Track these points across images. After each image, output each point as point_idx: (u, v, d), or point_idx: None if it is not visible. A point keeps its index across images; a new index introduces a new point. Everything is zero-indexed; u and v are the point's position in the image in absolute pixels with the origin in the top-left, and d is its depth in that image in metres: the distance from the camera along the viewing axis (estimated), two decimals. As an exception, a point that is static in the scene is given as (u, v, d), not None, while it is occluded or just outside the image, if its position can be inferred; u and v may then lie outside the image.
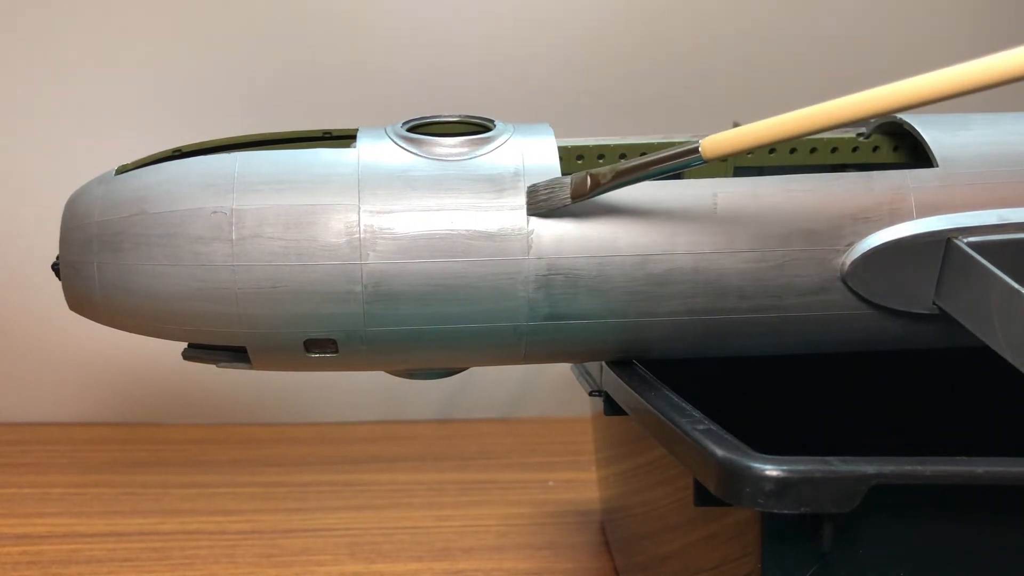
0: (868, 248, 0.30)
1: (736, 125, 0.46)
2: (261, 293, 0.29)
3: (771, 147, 0.34)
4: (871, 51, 0.62)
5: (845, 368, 0.39)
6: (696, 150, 0.27)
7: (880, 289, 0.30)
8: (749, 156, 0.34)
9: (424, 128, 0.32)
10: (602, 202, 0.30)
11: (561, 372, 0.44)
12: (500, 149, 0.31)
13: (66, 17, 0.58)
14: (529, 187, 0.30)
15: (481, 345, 0.31)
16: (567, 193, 0.29)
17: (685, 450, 0.26)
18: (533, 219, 0.30)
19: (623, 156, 0.34)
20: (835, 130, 0.36)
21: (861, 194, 0.30)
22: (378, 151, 0.31)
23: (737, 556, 0.26)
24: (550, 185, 0.29)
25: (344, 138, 0.32)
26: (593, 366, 0.38)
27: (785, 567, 0.25)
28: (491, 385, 0.65)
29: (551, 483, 0.54)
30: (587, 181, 0.29)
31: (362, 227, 0.29)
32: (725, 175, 0.34)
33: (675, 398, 0.29)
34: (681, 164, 0.27)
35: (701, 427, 0.26)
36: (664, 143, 0.34)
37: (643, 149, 0.34)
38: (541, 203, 0.30)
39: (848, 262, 0.30)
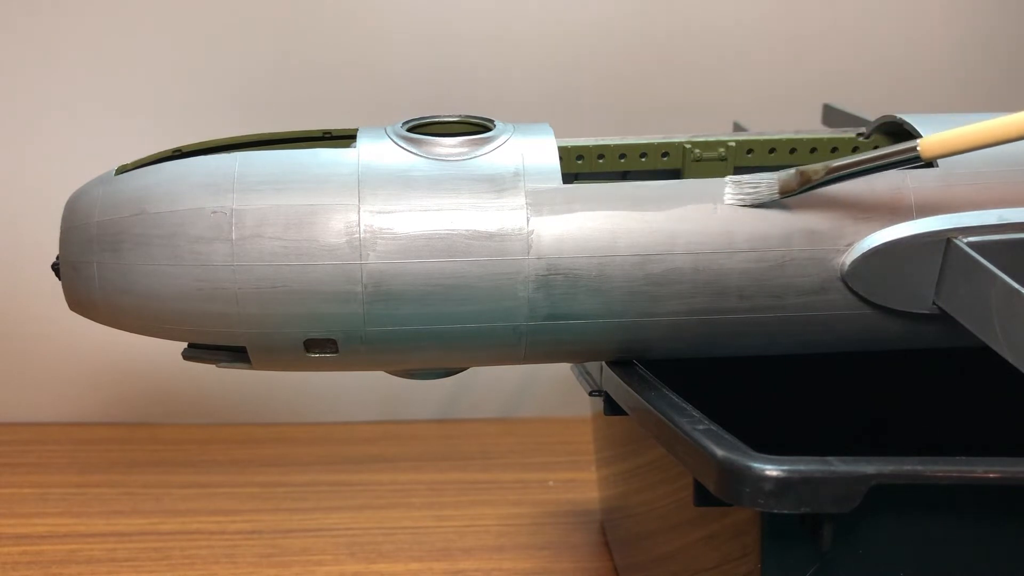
0: (868, 248, 0.30)
1: (736, 126, 0.46)
2: (261, 293, 0.29)
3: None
4: (870, 49, 0.62)
5: (845, 368, 0.39)
6: (914, 149, 0.27)
7: (880, 289, 0.30)
8: (749, 156, 0.34)
9: (424, 128, 0.32)
10: (602, 202, 0.30)
11: (561, 372, 0.44)
12: (500, 149, 0.31)
13: (66, 17, 0.58)
14: (732, 179, 0.30)
15: (481, 345, 0.31)
16: (776, 189, 0.30)
17: (685, 450, 0.26)
18: (532, 219, 0.30)
19: (623, 156, 0.34)
20: (835, 130, 0.36)
21: (861, 194, 0.30)
22: (378, 151, 0.31)
23: (737, 556, 0.26)
24: (755, 180, 0.30)
25: (344, 138, 0.32)
26: (593, 366, 0.38)
27: (785, 567, 0.25)
28: (491, 385, 0.65)
29: (551, 483, 0.54)
30: (798, 177, 0.29)
31: (362, 227, 0.29)
32: (726, 175, 0.34)
33: (675, 398, 0.29)
34: (897, 162, 0.28)
35: (701, 427, 0.26)
36: (664, 143, 0.34)
37: (643, 150, 0.34)
38: (747, 195, 0.30)
39: (848, 262, 0.30)
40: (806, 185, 0.29)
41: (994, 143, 0.26)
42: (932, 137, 0.27)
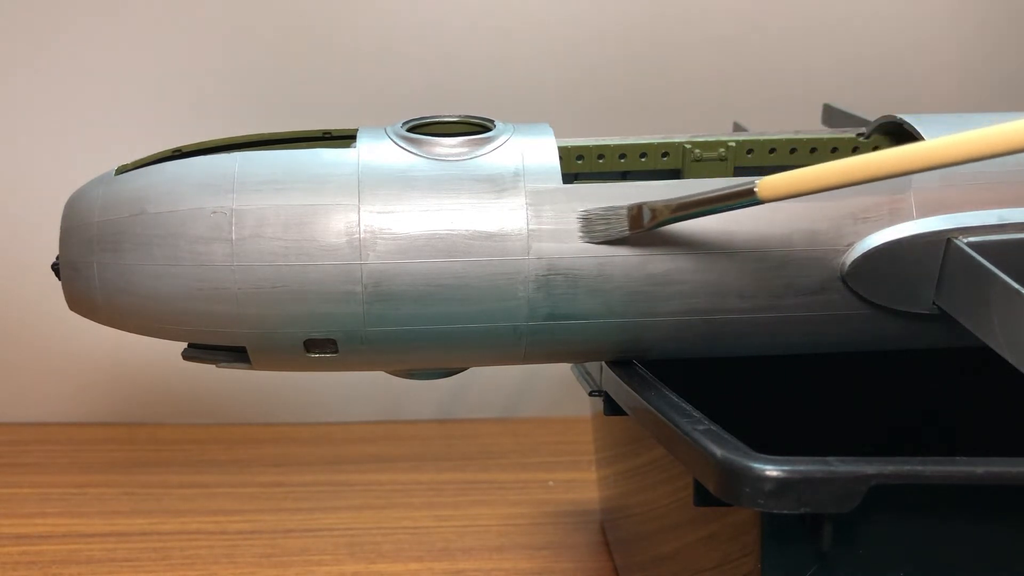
0: (868, 248, 0.30)
1: (736, 126, 0.46)
2: (261, 293, 0.29)
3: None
4: (870, 49, 0.62)
5: (845, 368, 0.39)
6: (752, 192, 0.26)
7: (880, 289, 0.30)
8: (749, 156, 0.34)
9: (424, 128, 0.32)
10: (602, 202, 0.30)
11: (561, 372, 0.44)
12: (500, 149, 0.31)
13: (66, 16, 0.58)
14: (582, 213, 0.30)
15: (481, 345, 0.31)
16: (625, 225, 0.29)
17: (685, 450, 0.26)
18: (532, 219, 0.30)
19: (623, 156, 0.34)
20: (835, 130, 0.36)
21: (861, 194, 0.30)
22: (378, 151, 0.31)
23: (737, 556, 0.26)
24: (606, 216, 0.29)
25: (344, 138, 0.32)
26: (593, 366, 0.38)
27: (785, 567, 0.25)
28: (491, 385, 0.65)
29: (551, 483, 0.54)
30: (646, 215, 0.29)
31: (362, 227, 0.29)
32: (725, 175, 0.34)
33: (675, 398, 0.29)
34: (737, 204, 0.27)
35: (701, 427, 0.26)
36: (664, 143, 0.34)
37: (643, 150, 0.34)
38: (597, 232, 0.30)
39: (848, 262, 0.30)
40: (655, 223, 0.29)
41: (831, 187, 0.25)
42: (770, 179, 0.26)
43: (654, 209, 0.28)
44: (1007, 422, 0.40)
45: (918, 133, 0.32)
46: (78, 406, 0.63)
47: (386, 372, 0.33)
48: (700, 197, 0.28)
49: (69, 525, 0.48)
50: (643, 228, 0.29)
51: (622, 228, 0.29)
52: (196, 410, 0.63)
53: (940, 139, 0.23)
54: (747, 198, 0.27)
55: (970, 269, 0.28)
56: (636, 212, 0.29)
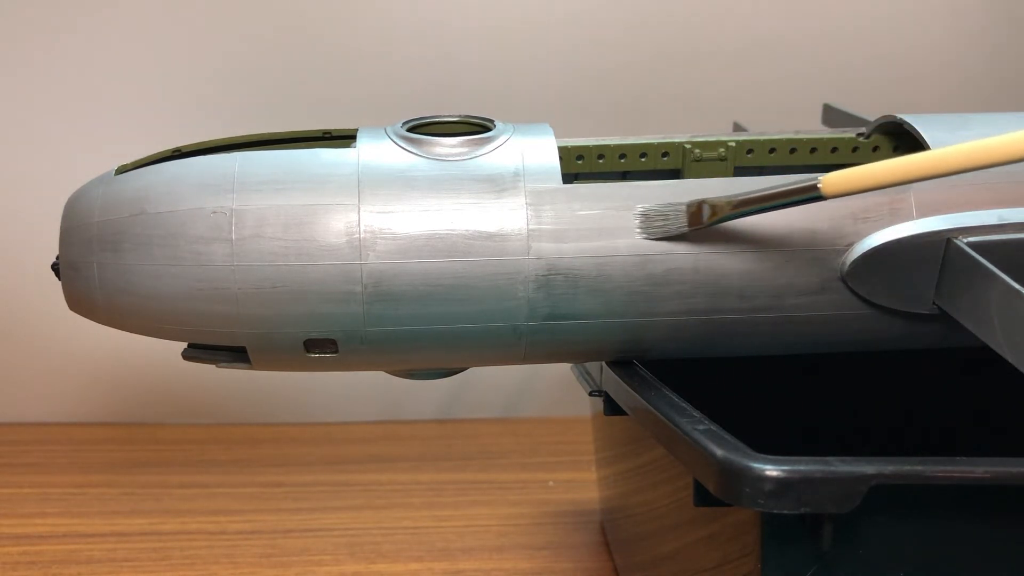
0: (868, 248, 0.30)
1: (736, 126, 0.46)
2: (261, 293, 0.29)
3: (764, 149, 0.34)
4: (870, 49, 0.62)
5: (845, 368, 0.39)
6: (816, 188, 0.26)
7: (880, 289, 0.30)
8: (749, 156, 0.34)
9: (424, 128, 0.32)
10: (602, 202, 0.30)
11: (561, 372, 0.44)
12: (500, 149, 0.31)
13: (66, 17, 0.58)
14: (641, 210, 0.30)
15: (481, 345, 0.31)
16: (683, 221, 0.29)
17: (685, 450, 0.26)
18: (532, 219, 0.30)
19: (623, 156, 0.34)
20: (835, 130, 0.36)
21: (861, 194, 0.30)
22: (378, 151, 0.31)
23: (737, 556, 0.26)
24: (664, 212, 0.29)
25: (344, 138, 0.32)
26: (593, 366, 0.38)
27: (785, 567, 0.25)
28: (491, 385, 0.65)
29: (551, 483, 0.54)
30: (705, 212, 0.29)
31: (362, 227, 0.29)
32: (726, 175, 0.34)
33: (675, 398, 0.29)
34: (800, 200, 0.27)
35: (701, 427, 0.26)
36: (664, 143, 0.34)
37: (643, 150, 0.34)
38: (656, 229, 0.30)
39: (848, 262, 0.30)
40: (714, 219, 0.29)
41: (895, 183, 0.25)
42: (834, 175, 0.26)
43: (713, 206, 0.28)
44: (1007, 422, 0.40)
45: (918, 133, 0.32)
46: (78, 406, 0.63)
47: (386, 372, 0.33)
48: (762, 194, 0.28)
49: (69, 525, 0.48)
50: (702, 225, 0.29)
51: (680, 225, 0.29)
52: (196, 410, 0.63)
53: (1011, 134, 0.23)
54: (810, 194, 0.26)
55: (970, 269, 0.28)
56: (695, 209, 0.29)
